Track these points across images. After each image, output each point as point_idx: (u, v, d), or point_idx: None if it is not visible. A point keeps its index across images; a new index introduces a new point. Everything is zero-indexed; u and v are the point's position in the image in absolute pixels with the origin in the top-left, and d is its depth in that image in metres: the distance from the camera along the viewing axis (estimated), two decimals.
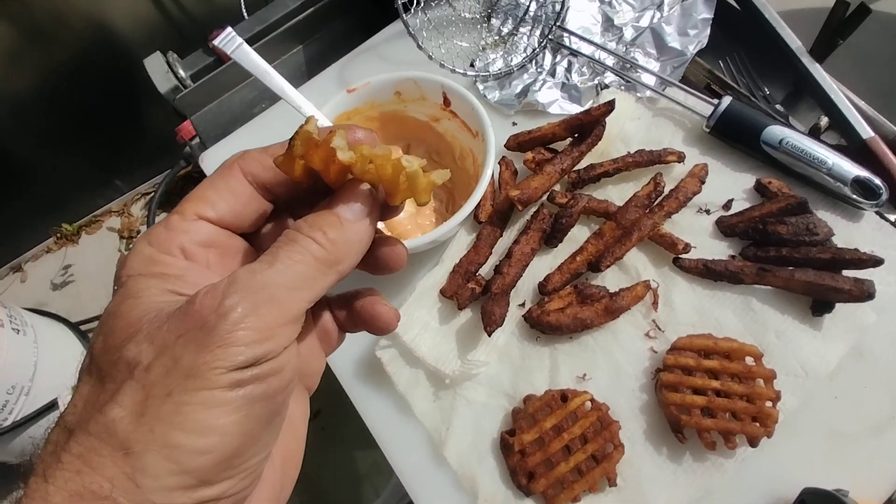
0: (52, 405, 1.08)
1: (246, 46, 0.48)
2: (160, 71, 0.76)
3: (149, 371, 0.22)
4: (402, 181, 0.26)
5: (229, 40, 0.48)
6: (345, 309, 0.31)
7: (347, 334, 0.31)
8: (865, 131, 0.57)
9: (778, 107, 0.64)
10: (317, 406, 1.31)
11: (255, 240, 0.29)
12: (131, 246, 1.73)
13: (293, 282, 0.24)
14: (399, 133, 0.63)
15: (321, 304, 0.30)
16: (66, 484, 0.21)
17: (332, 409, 1.30)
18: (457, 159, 0.61)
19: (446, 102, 0.58)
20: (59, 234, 1.78)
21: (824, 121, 0.62)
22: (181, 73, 0.77)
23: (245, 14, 0.83)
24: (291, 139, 0.24)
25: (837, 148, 0.55)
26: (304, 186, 0.27)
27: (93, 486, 0.21)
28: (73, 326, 1.41)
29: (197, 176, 1.76)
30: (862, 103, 0.60)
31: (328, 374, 1.28)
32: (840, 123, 0.59)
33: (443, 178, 0.26)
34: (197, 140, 0.77)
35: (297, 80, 0.76)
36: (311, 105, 0.51)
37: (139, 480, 0.21)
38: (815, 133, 0.62)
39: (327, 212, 0.25)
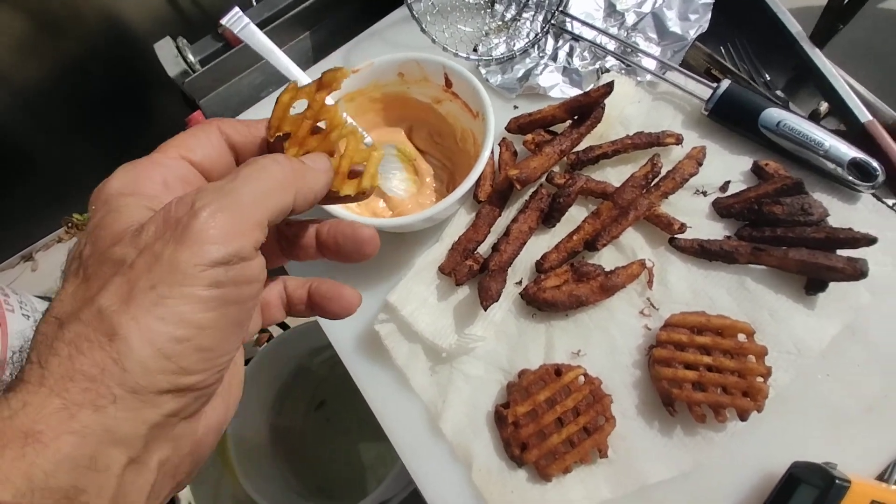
0: None
1: (252, 26, 0.49)
2: (170, 56, 0.78)
3: (133, 267, 0.24)
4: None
5: (236, 20, 0.49)
6: (303, 292, 0.34)
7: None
8: (864, 115, 0.58)
9: (778, 92, 0.64)
10: (322, 397, 1.32)
11: None
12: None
13: (254, 192, 0.26)
14: (402, 115, 0.64)
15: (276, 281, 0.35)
16: (59, 368, 0.23)
17: (336, 400, 1.32)
18: (458, 141, 0.62)
19: (448, 84, 0.58)
20: (70, 224, 1.80)
21: (824, 106, 0.62)
22: (190, 57, 0.78)
23: (254, 1, 0.84)
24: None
25: (837, 133, 0.56)
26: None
27: (83, 368, 0.23)
28: None
29: None
30: (861, 88, 0.61)
31: (332, 367, 1.28)
32: (839, 108, 0.60)
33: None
34: None
35: (304, 65, 0.77)
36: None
37: (125, 364, 0.23)
38: (814, 118, 0.63)
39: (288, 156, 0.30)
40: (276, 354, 1.19)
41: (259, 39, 0.50)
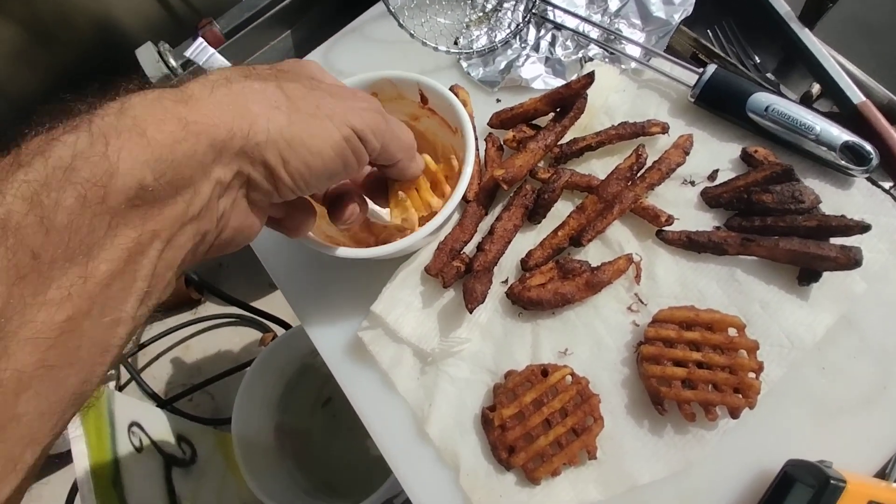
0: None
1: (218, 56, 0.48)
2: (151, 61, 0.77)
3: (313, 90, 0.35)
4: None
5: (200, 51, 0.48)
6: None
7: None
8: (857, 96, 0.56)
9: (769, 75, 0.62)
10: (328, 394, 1.32)
11: None
12: None
13: (396, 132, 0.41)
14: None
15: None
16: (226, 96, 0.30)
17: (342, 397, 1.31)
18: (440, 157, 0.60)
19: (424, 100, 0.56)
20: None
21: (816, 88, 0.60)
22: (172, 62, 0.77)
23: None
24: None
25: (830, 115, 0.54)
26: None
27: (241, 107, 0.31)
28: None
29: None
30: (854, 68, 0.58)
31: None
32: (832, 89, 0.58)
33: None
34: None
35: None
36: None
37: (270, 124, 0.31)
38: (807, 100, 0.61)
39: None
40: (280, 353, 1.19)
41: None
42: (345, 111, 0.34)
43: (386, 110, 0.59)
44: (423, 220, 0.50)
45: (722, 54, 0.62)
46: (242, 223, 0.35)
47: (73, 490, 1.14)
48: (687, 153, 0.54)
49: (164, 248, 0.28)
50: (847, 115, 0.57)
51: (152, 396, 1.37)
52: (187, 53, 0.47)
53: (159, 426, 1.01)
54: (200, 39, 0.47)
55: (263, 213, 0.37)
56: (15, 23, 1.32)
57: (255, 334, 1.52)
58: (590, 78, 0.54)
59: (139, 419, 0.94)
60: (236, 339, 1.52)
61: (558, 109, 0.57)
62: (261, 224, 0.37)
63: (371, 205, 0.50)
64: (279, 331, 1.45)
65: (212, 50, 0.47)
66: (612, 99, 0.60)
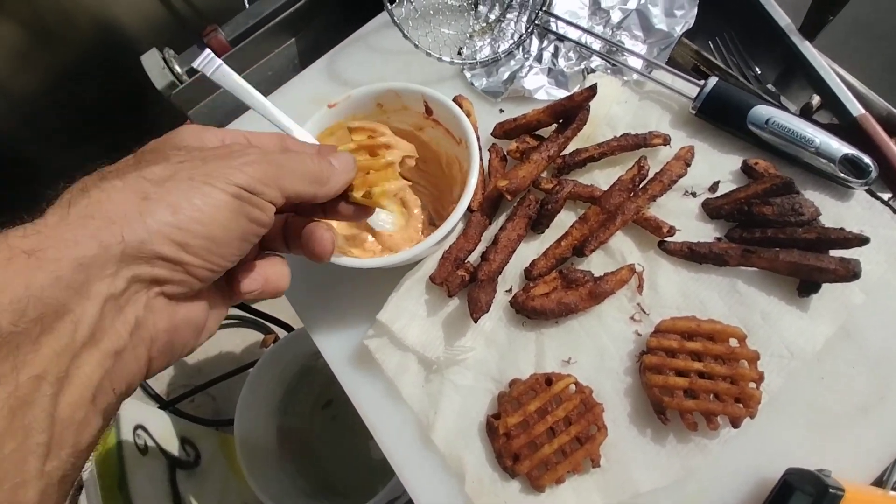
0: None
1: (225, 67, 0.48)
2: (156, 67, 0.78)
3: (181, 162, 0.31)
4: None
5: (208, 62, 0.48)
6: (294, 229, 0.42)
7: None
8: (856, 108, 0.56)
9: (770, 87, 0.63)
10: (328, 396, 1.33)
11: None
12: None
13: (292, 169, 0.36)
14: None
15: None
16: (86, 207, 0.28)
17: (343, 399, 1.32)
18: (444, 167, 0.61)
19: (428, 111, 0.57)
20: None
21: (816, 99, 0.61)
22: (177, 69, 0.78)
23: (247, 2, 0.83)
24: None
25: (830, 127, 0.55)
26: None
27: (107, 210, 0.28)
28: None
29: None
30: (853, 80, 0.59)
31: None
32: (831, 101, 0.59)
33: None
34: None
35: (291, 72, 0.77)
36: (293, 123, 0.50)
37: (147, 219, 0.28)
38: (807, 112, 0.62)
39: (323, 155, 0.40)
40: (281, 355, 1.19)
41: (234, 80, 0.48)
42: (223, 171, 0.31)
43: (391, 120, 0.60)
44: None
45: (723, 66, 0.62)
46: (174, 322, 0.32)
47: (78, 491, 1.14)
48: (688, 165, 0.55)
49: (59, 389, 0.26)
50: (846, 127, 0.57)
51: (154, 398, 1.38)
52: (195, 64, 0.47)
53: (163, 428, 1.01)
54: (208, 50, 0.47)
55: (200, 300, 0.34)
56: (16, 22, 1.33)
57: (256, 336, 1.52)
58: (592, 90, 0.55)
59: (144, 422, 0.95)
60: (238, 340, 1.52)
61: (561, 120, 0.58)
62: (205, 311, 0.35)
63: (374, 217, 0.51)
64: (281, 333, 1.45)
65: (219, 61, 0.47)
66: (614, 110, 0.60)
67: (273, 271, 0.39)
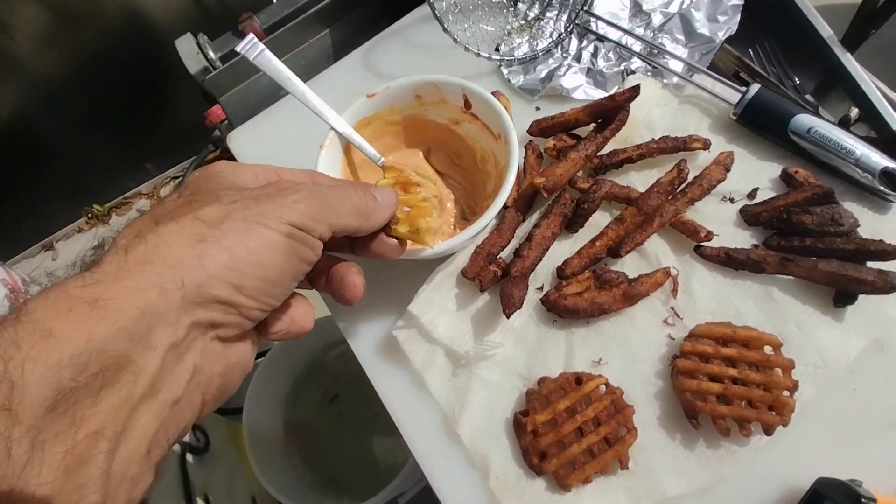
0: None
1: (268, 52, 0.48)
2: (191, 52, 0.78)
3: (234, 203, 0.31)
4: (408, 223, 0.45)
5: (251, 47, 0.48)
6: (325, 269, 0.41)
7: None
8: (895, 122, 0.56)
9: (808, 97, 0.63)
10: (336, 391, 1.33)
11: None
12: None
13: (337, 204, 0.35)
14: (419, 137, 0.62)
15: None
16: (143, 253, 0.28)
17: (350, 394, 1.32)
18: (478, 162, 0.61)
19: (467, 105, 0.57)
20: (90, 215, 1.82)
21: (854, 112, 0.60)
22: (211, 54, 0.78)
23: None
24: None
25: (867, 139, 0.54)
26: None
27: (165, 256, 0.28)
28: None
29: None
30: (893, 94, 0.59)
31: (346, 362, 1.29)
32: (870, 114, 0.58)
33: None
34: (226, 122, 0.78)
35: (325, 62, 0.78)
36: (332, 111, 0.50)
37: (204, 262, 0.28)
38: (844, 124, 0.61)
39: (368, 189, 0.40)
40: (290, 349, 1.20)
41: (275, 66, 0.48)
42: (275, 210, 0.31)
43: (428, 113, 0.60)
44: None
45: (762, 73, 0.62)
46: (228, 365, 0.32)
47: None
48: (728, 170, 0.55)
49: (116, 444, 0.25)
50: (884, 140, 0.57)
51: None
52: (238, 48, 0.47)
53: None
54: (251, 35, 0.47)
55: (247, 340, 0.34)
56: (43, 5, 1.33)
57: None
58: (635, 91, 0.54)
59: None
60: None
61: (599, 120, 0.57)
62: (252, 350, 0.35)
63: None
64: None
65: (262, 46, 0.47)
66: (653, 113, 0.60)
67: (299, 312, 0.38)
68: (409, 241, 0.47)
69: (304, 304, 0.39)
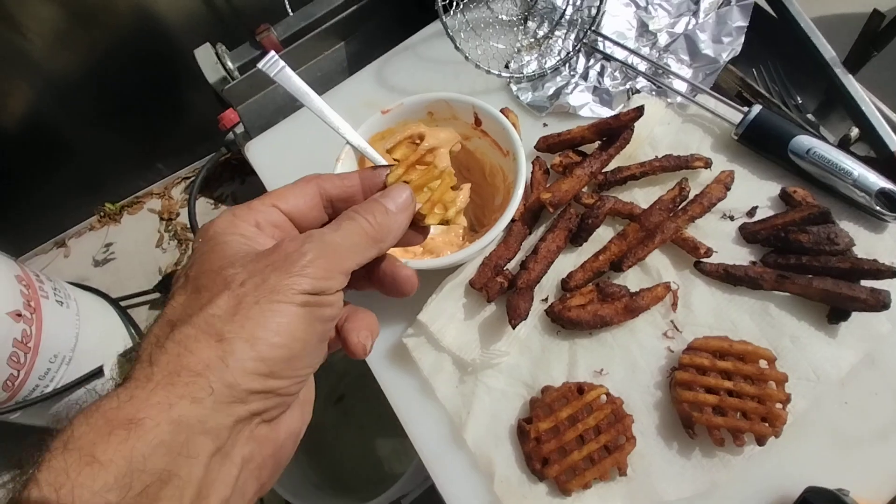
0: (97, 373, 1.13)
1: (288, 70, 0.49)
2: (209, 62, 0.80)
3: (243, 285, 0.30)
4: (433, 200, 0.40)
5: (272, 64, 0.49)
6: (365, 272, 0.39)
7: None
8: (894, 143, 0.58)
9: (809, 116, 0.65)
10: (341, 391, 1.35)
11: None
12: (177, 232, 1.79)
13: (349, 246, 0.33)
14: None
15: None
16: (167, 364, 0.27)
17: (355, 395, 1.34)
18: (486, 176, 0.63)
19: (477, 122, 0.59)
20: (102, 213, 1.85)
21: (855, 132, 0.62)
22: (229, 64, 0.80)
23: (289, 9, 0.86)
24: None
25: (866, 160, 0.56)
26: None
27: (189, 364, 0.27)
28: (114, 302, 1.47)
29: (236, 164, 1.82)
30: (893, 115, 0.61)
31: (353, 364, 1.30)
32: (870, 135, 0.60)
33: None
34: (242, 129, 0.81)
35: (339, 75, 0.80)
36: (349, 126, 0.52)
37: (228, 361, 0.27)
38: (845, 144, 0.63)
39: (378, 202, 0.36)
40: None
41: (295, 83, 0.50)
42: (286, 282, 0.30)
43: (439, 129, 0.62)
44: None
45: (765, 93, 0.64)
46: (278, 443, 0.32)
47: None
48: (728, 189, 0.57)
49: None
50: (882, 160, 0.59)
51: None
52: (260, 65, 0.49)
53: None
54: (273, 52, 0.49)
55: (294, 410, 0.33)
56: (57, 3, 1.36)
57: None
58: (639, 111, 0.56)
59: None
60: None
61: (605, 138, 0.60)
62: (301, 415, 0.34)
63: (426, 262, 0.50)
64: None
65: (283, 63, 0.49)
66: (656, 131, 0.62)
67: (364, 323, 0.37)
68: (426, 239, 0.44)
69: (358, 315, 0.37)
